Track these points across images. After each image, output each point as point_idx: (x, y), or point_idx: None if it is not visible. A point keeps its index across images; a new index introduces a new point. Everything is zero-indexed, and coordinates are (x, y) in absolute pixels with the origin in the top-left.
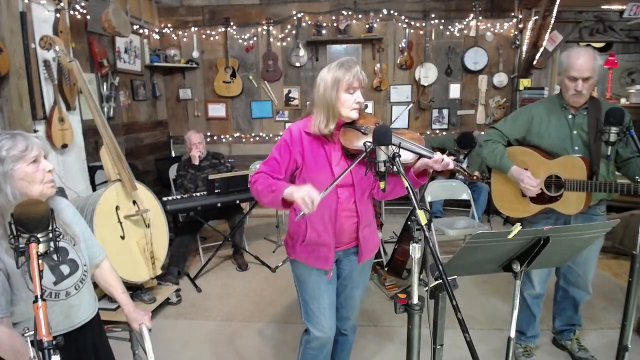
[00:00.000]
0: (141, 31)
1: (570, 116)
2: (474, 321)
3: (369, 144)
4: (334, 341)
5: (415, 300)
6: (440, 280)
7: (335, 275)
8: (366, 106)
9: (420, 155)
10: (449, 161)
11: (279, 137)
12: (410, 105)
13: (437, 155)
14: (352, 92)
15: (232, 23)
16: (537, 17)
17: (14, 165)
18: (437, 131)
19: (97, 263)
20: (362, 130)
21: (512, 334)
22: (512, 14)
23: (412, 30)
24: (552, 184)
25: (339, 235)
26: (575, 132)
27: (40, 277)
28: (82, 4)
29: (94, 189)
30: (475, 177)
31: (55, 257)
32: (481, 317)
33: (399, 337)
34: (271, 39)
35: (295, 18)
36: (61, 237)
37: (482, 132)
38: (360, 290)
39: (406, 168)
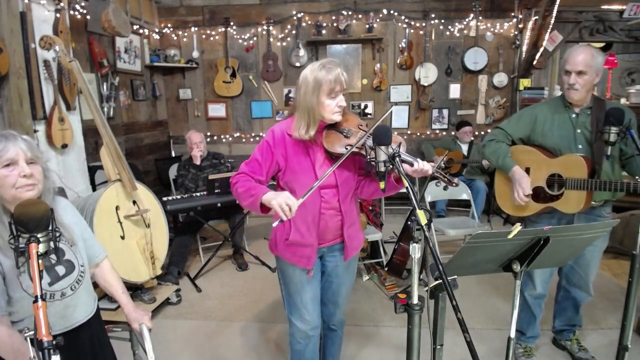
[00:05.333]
0: (141, 31)
1: (573, 115)
2: (474, 321)
3: (349, 147)
4: (324, 336)
5: (415, 300)
6: (440, 280)
7: (319, 270)
8: (366, 106)
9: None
10: (428, 168)
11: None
12: (388, 112)
13: (418, 165)
14: (334, 96)
15: (232, 23)
16: (537, 17)
17: None
18: (437, 131)
19: (97, 262)
20: (345, 134)
21: (512, 334)
22: (512, 14)
23: (412, 30)
24: (554, 183)
25: (322, 234)
26: (579, 130)
27: (41, 277)
28: (82, 4)
29: (94, 189)
30: (454, 184)
31: (52, 257)
32: (481, 317)
33: (399, 337)
34: (271, 39)
35: (295, 18)
36: (59, 237)
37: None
38: (346, 287)
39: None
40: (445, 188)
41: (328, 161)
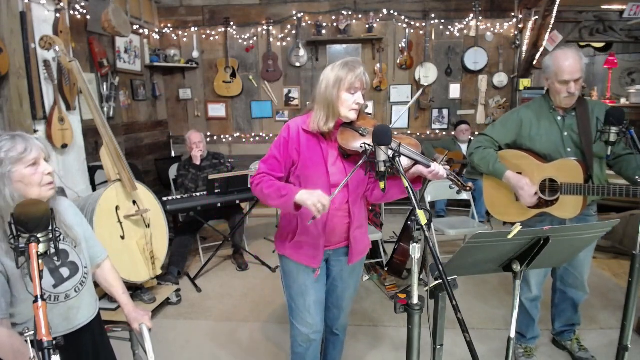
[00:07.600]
0: (141, 31)
1: (559, 117)
2: (474, 321)
3: (367, 146)
4: (326, 340)
5: (415, 300)
6: (440, 280)
7: (324, 273)
8: (366, 106)
9: (416, 162)
10: (443, 173)
11: (278, 134)
12: (413, 100)
13: (434, 167)
14: (353, 92)
15: (232, 23)
16: (537, 17)
17: (12, 167)
18: (437, 131)
19: (98, 263)
20: (360, 132)
21: (512, 334)
22: (512, 14)
23: (412, 30)
24: (546, 188)
25: (329, 235)
26: (566, 133)
27: (41, 277)
28: (82, 4)
29: (94, 189)
30: (468, 188)
31: (55, 259)
32: (481, 317)
33: (399, 337)
34: (271, 39)
35: (295, 18)
36: (62, 238)
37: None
38: (350, 292)
39: None
40: (458, 192)
41: (341, 159)
